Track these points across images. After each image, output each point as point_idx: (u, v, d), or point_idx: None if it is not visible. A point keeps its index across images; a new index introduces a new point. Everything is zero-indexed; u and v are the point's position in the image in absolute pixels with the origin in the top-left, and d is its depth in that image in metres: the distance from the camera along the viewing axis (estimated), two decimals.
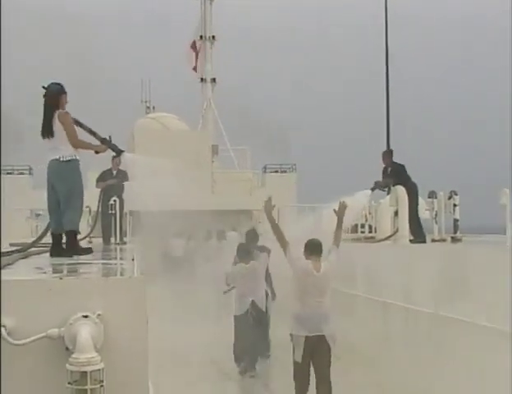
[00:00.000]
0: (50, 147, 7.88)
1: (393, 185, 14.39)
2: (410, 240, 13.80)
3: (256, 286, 12.66)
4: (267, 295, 13.53)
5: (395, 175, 14.11)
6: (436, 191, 14.80)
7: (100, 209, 15.15)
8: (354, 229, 17.49)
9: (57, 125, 7.74)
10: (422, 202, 14.44)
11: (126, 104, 41.84)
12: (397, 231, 14.31)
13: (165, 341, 9.83)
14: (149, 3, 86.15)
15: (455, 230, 14.37)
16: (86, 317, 4.23)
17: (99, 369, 4.05)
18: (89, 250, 7.94)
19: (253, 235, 13.55)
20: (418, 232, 13.88)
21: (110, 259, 8.20)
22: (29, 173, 28.94)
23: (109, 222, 15.05)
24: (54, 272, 5.94)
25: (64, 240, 8.01)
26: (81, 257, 7.56)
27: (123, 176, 15.19)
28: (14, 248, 8.48)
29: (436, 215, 14.53)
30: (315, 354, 9.26)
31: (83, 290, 4.39)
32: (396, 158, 14.84)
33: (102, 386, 4.06)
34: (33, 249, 8.67)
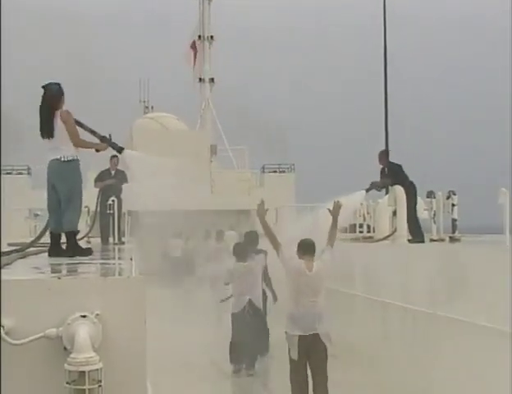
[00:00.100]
0: (50, 147, 7.84)
1: (391, 186, 14.40)
2: (409, 240, 13.81)
3: (253, 284, 12.81)
4: (267, 296, 13.61)
5: (392, 175, 14.11)
6: (434, 191, 14.81)
7: (98, 209, 15.15)
8: (353, 229, 17.50)
9: (59, 125, 7.70)
10: (420, 202, 14.45)
11: (125, 104, 41.89)
12: (395, 230, 14.32)
13: (163, 341, 9.84)
14: (149, 3, 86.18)
15: (454, 230, 14.39)
16: (84, 317, 4.23)
17: (97, 369, 4.05)
18: (88, 251, 7.92)
19: (253, 236, 13.55)
20: (416, 232, 13.89)
21: (108, 259, 8.21)
22: (28, 173, 28.96)
23: (107, 221, 15.05)
24: (53, 272, 5.95)
25: (63, 240, 8.01)
26: (80, 257, 7.55)
27: (121, 176, 15.21)
28: (12, 248, 8.48)
29: (434, 215, 14.54)
30: (310, 353, 9.29)
31: (81, 290, 4.40)
32: (395, 158, 14.86)
33: (100, 386, 4.06)
34: (31, 248, 8.67)
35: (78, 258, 7.45)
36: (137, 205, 16.56)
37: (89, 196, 11.64)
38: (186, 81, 34.08)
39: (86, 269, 6.15)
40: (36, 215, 23.39)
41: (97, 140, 8.25)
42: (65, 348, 4.17)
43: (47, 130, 7.76)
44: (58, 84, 7.94)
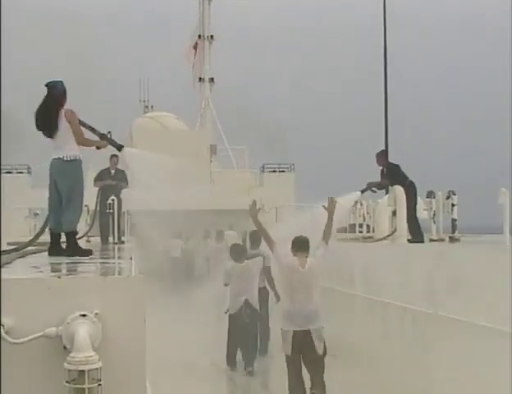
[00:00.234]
0: (53, 146, 7.83)
1: (390, 186, 14.39)
2: (408, 240, 13.81)
3: (250, 285, 12.89)
4: (269, 295, 13.64)
5: (390, 175, 14.11)
6: (434, 191, 14.82)
7: (98, 208, 15.15)
8: (353, 229, 17.51)
9: (64, 124, 7.68)
10: (420, 202, 14.45)
11: (125, 104, 41.92)
12: (395, 230, 14.32)
13: (163, 341, 9.85)
14: (149, 3, 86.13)
15: (453, 230, 14.39)
16: (84, 316, 4.23)
17: (97, 368, 4.05)
18: (88, 252, 7.91)
19: (256, 236, 13.58)
20: (416, 232, 13.90)
21: (108, 259, 8.21)
22: (28, 172, 28.94)
23: (107, 221, 15.05)
24: (52, 271, 5.95)
25: (63, 239, 8.00)
26: (80, 257, 7.54)
27: (121, 175, 15.21)
28: (11, 247, 8.46)
29: (434, 215, 14.55)
30: (304, 349, 9.36)
31: (81, 289, 4.40)
32: (395, 158, 14.87)
33: (99, 385, 4.07)
34: (31, 248, 8.66)
35: (78, 257, 7.45)
36: (136, 205, 16.56)
37: (89, 195, 11.65)
38: (186, 81, 34.09)
39: (86, 268, 6.15)
40: (36, 214, 23.42)
41: (96, 138, 8.24)
42: (64, 347, 4.17)
43: (50, 129, 7.73)
44: (61, 82, 7.90)
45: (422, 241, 13.65)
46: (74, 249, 7.71)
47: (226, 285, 13.22)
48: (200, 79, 32.88)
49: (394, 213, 14.35)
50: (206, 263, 21.85)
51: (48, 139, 7.81)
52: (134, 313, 4.45)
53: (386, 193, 15.23)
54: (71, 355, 4.04)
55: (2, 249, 7.40)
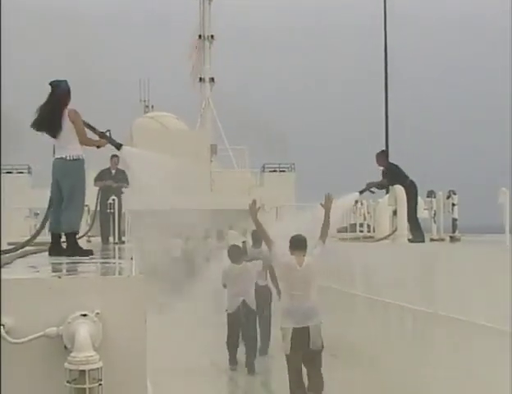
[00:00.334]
0: (56, 145, 7.80)
1: (391, 185, 14.38)
2: (409, 240, 13.81)
3: (247, 286, 13.11)
4: (271, 295, 13.69)
5: (390, 175, 14.10)
6: (434, 191, 14.81)
7: (98, 208, 15.14)
8: (353, 228, 17.50)
9: (67, 124, 7.66)
10: (420, 201, 14.44)
11: (125, 104, 41.87)
12: (396, 230, 14.31)
13: (163, 341, 9.86)
14: (149, 3, 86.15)
15: (454, 229, 14.39)
16: (85, 315, 4.22)
17: (98, 368, 4.04)
18: (89, 252, 7.89)
19: (258, 236, 13.65)
20: (416, 232, 13.89)
21: (108, 258, 8.20)
22: (28, 172, 28.94)
23: (107, 221, 15.05)
24: (53, 271, 5.94)
25: (63, 239, 7.99)
26: (80, 257, 7.53)
27: (122, 175, 15.21)
28: (10, 247, 8.44)
29: (434, 214, 14.55)
30: (304, 346, 9.48)
31: (81, 289, 4.39)
32: (395, 158, 14.86)
33: (100, 385, 4.06)
34: (31, 248, 8.65)
35: (78, 257, 7.44)
36: (136, 204, 16.56)
37: (89, 195, 11.66)
38: (186, 81, 34.08)
39: (86, 268, 6.15)
40: (36, 214, 23.37)
41: (96, 137, 8.21)
42: (65, 347, 4.17)
43: (54, 129, 7.71)
44: (65, 81, 7.87)
45: (423, 241, 13.65)
46: (74, 250, 7.69)
47: (224, 286, 13.31)
48: (200, 79, 32.88)
49: (394, 212, 14.34)
50: (206, 262, 21.85)
51: (51, 138, 7.78)
52: (135, 312, 4.45)
53: (387, 193, 15.22)
54: (72, 354, 4.04)
55: (1, 249, 7.39)
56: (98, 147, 8.25)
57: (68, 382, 4.03)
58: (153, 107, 40.58)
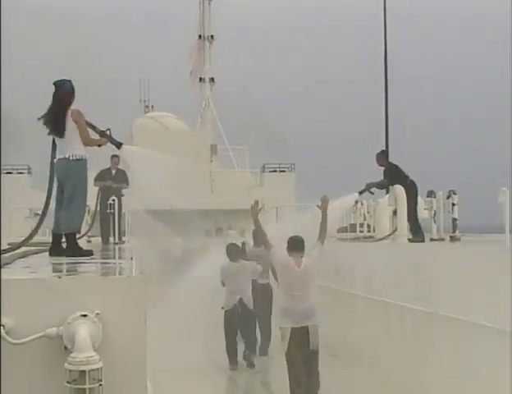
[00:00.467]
0: (59, 145, 7.79)
1: (391, 185, 14.38)
2: (409, 240, 13.81)
3: (244, 284, 13.25)
4: (272, 293, 13.73)
5: (391, 175, 14.10)
6: (434, 191, 14.82)
7: (98, 209, 15.14)
8: (353, 228, 17.50)
9: (70, 124, 7.63)
10: (420, 201, 14.44)
11: (125, 104, 41.85)
12: (396, 230, 14.31)
13: (163, 340, 9.87)
14: (149, 3, 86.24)
15: (454, 229, 14.40)
16: (85, 316, 4.22)
17: (98, 368, 4.04)
18: (89, 252, 7.89)
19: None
20: (416, 232, 13.89)
21: (109, 259, 8.20)
22: (28, 172, 28.94)
23: (108, 221, 15.05)
24: (53, 272, 5.94)
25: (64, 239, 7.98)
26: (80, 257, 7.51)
27: (122, 175, 15.20)
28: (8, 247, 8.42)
29: (434, 214, 14.55)
30: (302, 345, 9.55)
31: (82, 290, 4.39)
32: (395, 158, 14.86)
33: (100, 385, 4.06)
34: (32, 248, 8.64)
35: (78, 257, 7.43)
36: (137, 204, 16.55)
37: (89, 195, 11.67)
38: (186, 81, 34.05)
39: (86, 268, 6.14)
40: (36, 214, 23.37)
41: (97, 135, 8.19)
42: (65, 347, 4.16)
43: (58, 128, 7.69)
44: (70, 81, 7.84)
45: (423, 241, 13.65)
46: (74, 250, 7.68)
47: (222, 283, 13.41)
48: (200, 79, 32.87)
49: (394, 212, 14.34)
50: (205, 261, 21.83)
51: (56, 138, 7.74)
52: (135, 313, 4.44)
53: (387, 193, 15.22)
54: (72, 355, 4.04)
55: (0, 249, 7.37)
56: (99, 146, 8.22)
57: (68, 382, 4.03)
58: (153, 107, 40.57)
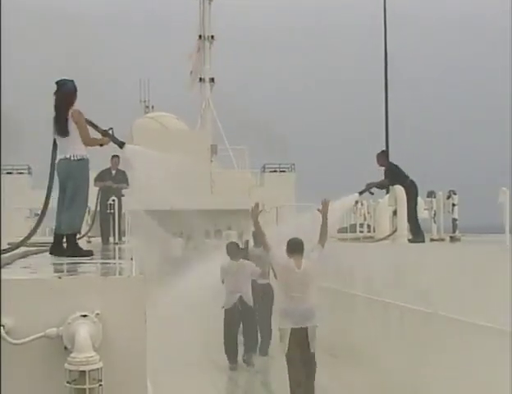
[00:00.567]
0: (60, 145, 7.78)
1: (391, 185, 14.37)
2: (409, 240, 13.81)
3: (244, 282, 13.32)
4: (273, 294, 13.75)
5: (391, 175, 14.10)
6: (434, 191, 14.81)
7: (99, 209, 15.14)
8: (353, 228, 17.50)
9: (72, 124, 7.60)
10: (420, 201, 14.44)
11: (125, 104, 41.90)
12: (396, 230, 14.31)
13: (163, 339, 9.88)
14: (149, 3, 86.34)
15: (454, 229, 14.39)
16: (85, 316, 4.22)
17: (98, 369, 4.04)
18: (89, 253, 7.88)
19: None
20: (416, 232, 13.88)
21: (109, 259, 8.20)
22: (29, 173, 28.95)
23: (108, 221, 15.04)
24: (53, 272, 5.94)
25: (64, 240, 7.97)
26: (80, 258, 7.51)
27: (122, 176, 15.20)
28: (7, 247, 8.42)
29: (434, 214, 14.54)
30: (302, 346, 9.65)
31: (82, 290, 4.39)
32: (395, 158, 14.85)
33: (100, 385, 4.06)
34: (32, 248, 8.65)
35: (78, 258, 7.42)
36: (137, 204, 16.55)
37: (90, 196, 11.68)
38: (186, 81, 34.06)
39: (87, 269, 6.14)
40: (36, 215, 23.37)
41: (99, 135, 8.16)
42: (65, 347, 4.16)
43: (60, 129, 7.69)
44: (72, 82, 7.82)
45: (423, 241, 13.65)
46: (74, 250, 7.68)
47: (222, 282, 13.48)
48: (200, 79, 32.87)
49: (394, 212, 14.34)
50: (205, 261, 21.86)
51: (59, 138, 7.73)
52: (135, 313, 4.44)
53: (387, 193, 15.22)
54: (72, 355, 4.03)
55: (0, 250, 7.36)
56: (101, 145, 8.19)
57: (68, 382, 4.03)
58: (153, 107, 40.60)
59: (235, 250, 13.65)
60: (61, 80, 7.79)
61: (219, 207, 24.71)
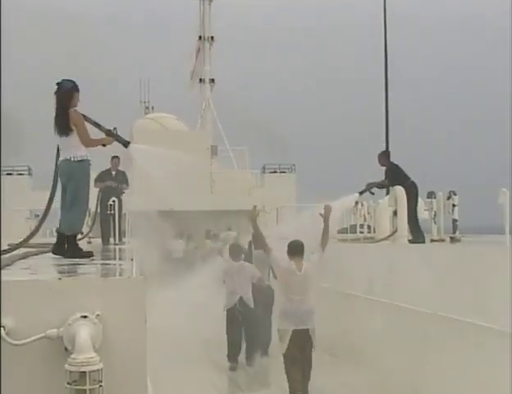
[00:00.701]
0: (62, 146, 7.76)
1: (391, 186, 14.38)
2: (409, 241, 13.81)
3: (245, 283, 13.43)
4: (274, 295, 13.77)
5: (390, 175, 14.10)
6: (435, 191, 14.82)
7: (99, 210, 15.13)
8: (354, 229, 17.51)
9: (71, 125, 7.63)
10: (421, 202, 14.44)
11: (125, 104, 41.89)
12: (396, 231, 14.32)
13: (164, 339, 9.91)
14: (149, 3, 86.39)
15: (454, 230, 14.41)
16: (85, 317, 4.22)
17: (98, 369, 4.04)
18: (89, 254, 7.87)
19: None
20: (416, 232, 13.89)
21: (109, 260, 8.20)
22: (29, 174, 28.94)
23: (108, 222, 15.03)
24: (53, 273, 5.94)
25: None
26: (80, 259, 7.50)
27: (122, 177, 15.20)
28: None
29: (435, 215, 14.55)
30: (302, 346, 9.74)
31: (82, 291, 4.39)
32: (395, 158, 14.84)
33: (101, 386, 4.06)
34: (32, 249, 8.65)
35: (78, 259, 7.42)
36: (138, 205, 16.55)
37: (90, 196, 11.68)
38: (186, 82, 34.08)
39: (87, 270, 6.14)
40: (37, 216, 23.37)
41: (101, 134, 8.12)
42: (65, 348, 4.17)
43: (59, 129, 7.67)
44: (72, 82, 7.78)
45: (423, 242, 13.65)
46: (74, 251, 7.68)
47: (223, 281, 13.58)
48: (200, 80, 32.87)
49: (395, 213, 14.35)
50: (205, 262, 21.90)
51: (60, 138, 7.72)
52: (135, 314, 4.45)
53: (387, 193, 15.22)
54: (72, 356, 4.04)
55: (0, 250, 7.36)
56: (104, 145, 8.15)
57: (69, 383, 4.04)
58: (153, 108, 40.64)
59: (237, 251, 13.75)
60: (60, 81, 7.78)
61: (219, 207, 24.72)
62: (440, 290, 10.50)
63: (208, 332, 13.96)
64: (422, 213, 14.45)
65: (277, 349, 10.35)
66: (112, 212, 14.89)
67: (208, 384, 12.09)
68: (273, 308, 13.72)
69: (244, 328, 13.60)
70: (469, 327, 9.45)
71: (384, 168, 14.35)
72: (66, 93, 7.68)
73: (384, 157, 14.68)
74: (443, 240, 14.26)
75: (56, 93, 7.73)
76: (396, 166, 14.36)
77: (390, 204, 14.45)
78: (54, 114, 7.73)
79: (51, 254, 7.85)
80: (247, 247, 14.66)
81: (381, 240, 14.86)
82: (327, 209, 10.47)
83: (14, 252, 7.39)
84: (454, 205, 14.37)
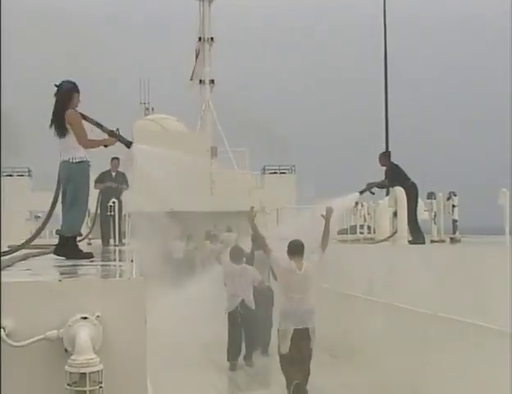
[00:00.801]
0: (61, 148, 7.74)
1: (391, 186, 14.38)
2: (409, 241, 13.81)
3: (246, 286, 13.45)
4: (274, 296, 13.79)
5: (390, 176, 14.09)
6: (434, 192, 14.82)
7: (99, 211, 15.12)
8: (354, 230, 17.51)
9: (68, 126, 7.61)
10: (421, 203, 14.44)
11: (125, 104, 41.88)
12: (396, 231, 14.32)
13: (164, 342, 9.89)
14: (149, 4, 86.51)
15: (454, 230, 14.40)
16: (85, 318, 4.22)
17: (98, 371, 4.04)
18: (89, 255, 7.87)
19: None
20: (416, 233, 13.89)
21: (109, 261, 8.20)
22: (29, 175, 28.95)
23: (108, 223, 15.03)
24: (53, 274, 5.94)
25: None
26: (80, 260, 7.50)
27: (122, 178, 15.20)
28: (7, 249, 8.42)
29: (434, 216, 14.55)
30: (302, 346, 9.77)
31: (82, 292, 4.39)
32: (395, 158, 14.85)
33: (101, 387, 4.06)
34: (32, 250, 8.65)
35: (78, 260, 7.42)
36: (139, 206, 16.55)
37: (90, 198, 11.68)
38: (186, 82, 34.06)
39: (87, 271, 6.14)
40: (37, 217, 23.38)
41: (103, 134, 8.08)
42: (65, 350, 4.16)
43: (56, 130, 7.65)
44: (72, 83, 7.73)
45: (423, 242, 13.65)
46: (74, 253, 7.67)
47: (224, 284, 13.57)
48: (200, 81, 32.86)
49: (395, 214, 14.35)
50: (205, 264, 21.90)
51: (59, 140, 7.71)
52: (135, 315, 4.45)
53: (387, 194, 15.22)
54: (72, 357, 4.04)
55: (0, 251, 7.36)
56: (106, 146, 8.11)
57: (69, 384, 4.03)
58: (153, 109, 40.65)
59: (238, 254, 13.72)
60: (60, 83, 7.76)
61: (219, 208, 24.72)
62: (440, 291, 10.50)
63: (209, 335, 13.96)
64: (422, 214, 14.45)
65: (277, 349, 10.35)
66: (112, 213, 14.89)
67: (208, 385, 12.10)
68: (273, 309, 13.74)
69: (244, 330, 13.61)
70: (469, 327, 9.46)
71: (384, 168, 14.35)
72: (66, 93, 7.64)
73: (385, 157, 14.68)
74: (443, 241, 14.26)
75: (55, 94, 7.71)
76: (397, 166, 14.36)
77: (390, 205, 14.45)
78: (52, 117, 7.70)
79: (51, 256, 7.84)
80: (250, 250, 14.61)
81: (381, 240, 14.86)
82: (329, 211, 10.52)
83: (15, 253, 7.40)
84: (454, 206, 14.38)
